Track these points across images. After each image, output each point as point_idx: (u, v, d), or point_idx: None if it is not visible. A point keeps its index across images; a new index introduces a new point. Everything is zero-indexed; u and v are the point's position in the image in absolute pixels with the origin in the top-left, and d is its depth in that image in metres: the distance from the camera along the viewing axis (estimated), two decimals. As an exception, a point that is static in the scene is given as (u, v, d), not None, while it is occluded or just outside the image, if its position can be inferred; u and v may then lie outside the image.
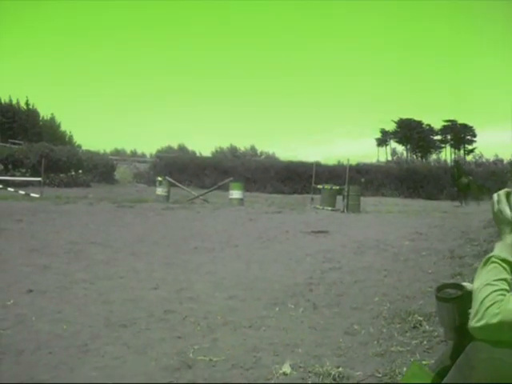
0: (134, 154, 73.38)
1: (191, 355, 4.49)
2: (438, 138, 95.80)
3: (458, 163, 39.26)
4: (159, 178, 26.18)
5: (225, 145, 75.33)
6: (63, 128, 71.70)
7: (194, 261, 9.23)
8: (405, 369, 3.98)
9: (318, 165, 32.24)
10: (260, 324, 5.49)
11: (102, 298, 6.38)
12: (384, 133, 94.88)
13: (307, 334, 5.18)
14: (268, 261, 9.52)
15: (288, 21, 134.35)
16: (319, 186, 25.72)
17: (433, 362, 3.29)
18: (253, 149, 75.50)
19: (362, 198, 24.25)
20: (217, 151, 72.08)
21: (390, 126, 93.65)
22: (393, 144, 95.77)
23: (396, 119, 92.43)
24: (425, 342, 4.81)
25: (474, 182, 34.60)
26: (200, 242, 11.46)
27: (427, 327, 5.22)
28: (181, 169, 42.93)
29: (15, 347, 4.54)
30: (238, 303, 6.39)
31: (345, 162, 40.49)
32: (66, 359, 4.33)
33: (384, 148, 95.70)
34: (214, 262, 9.26)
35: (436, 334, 4.94)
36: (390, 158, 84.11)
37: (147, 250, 10.25)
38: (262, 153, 73.65)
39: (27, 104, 68.00)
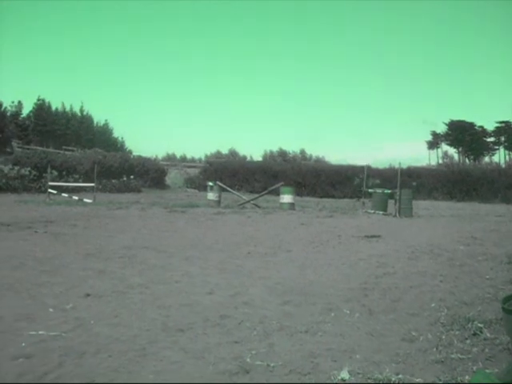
0: (184, 158, 74.06)
1: (248, 360, 4.49)
2: (492, 139, 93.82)
3: (368, 167, 42.07)
4: (210, 183, 26.36)
5: (274, 149, 75.42)
6: (115, 134, 72.99)
7: (248, 266, 9.24)
8: (467, 377, 3.91)
9: (368, 168, 32.00)
10: (316, 329, 5.46)
11: (158, 303, 6.43)
12: (435, 135, 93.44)
13: (364, 340, 5.13)
14: (321, 265, 9.47)
15: (336, 19, 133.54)
16: (370, 190, 25.50)
17: (497, 370, 3.21)
18: (303, 152, 75.45)
19: (413, 202, 23.92)
20: (266, 155, 72.21)
21: (441, 129, 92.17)
22: (444, 147, 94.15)
23: (447, 121, 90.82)
24: (486, 350, 4.70)
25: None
26: (253, 247, 11.47)
27: (488, 334, 5.11)
28: (231, 173, 43.16)
29: (76, 350, 4.62)
30: (293, 308, 6.36)
31: (395, 166, 40.14)
32: (126, 363, 4.38)
33: (435, 151, 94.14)
34: (267, 266, 9.25)
35: (498, 341, 4.84)
36: (441, 161, 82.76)
37: (200, 254, 10.30)
38: (312, 156, 73.52)
39: (81, 111, 69.48)
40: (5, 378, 4.00)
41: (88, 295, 6.68)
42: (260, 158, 66.51)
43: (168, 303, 6.42)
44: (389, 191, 24.39)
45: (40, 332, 5.07)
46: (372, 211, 23.63)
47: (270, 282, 7.89)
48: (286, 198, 24.64)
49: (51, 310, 5.94)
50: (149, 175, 40.68)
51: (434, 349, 4.80)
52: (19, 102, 71.19)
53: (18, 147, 49.28)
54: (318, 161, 67.87)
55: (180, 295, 6.87)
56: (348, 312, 6.20)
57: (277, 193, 26.37)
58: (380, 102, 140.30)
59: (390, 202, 23.80)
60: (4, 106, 50.12)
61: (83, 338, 4.98)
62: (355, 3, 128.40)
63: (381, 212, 23.18)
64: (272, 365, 4.39)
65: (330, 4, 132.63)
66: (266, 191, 27.73)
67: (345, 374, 4.16)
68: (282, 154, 72.38)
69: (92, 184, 28.50)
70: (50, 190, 26.94)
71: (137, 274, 8.16)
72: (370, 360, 4.53)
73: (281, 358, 4.57)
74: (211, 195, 25.57)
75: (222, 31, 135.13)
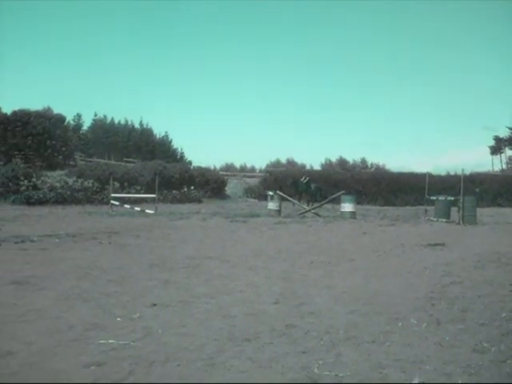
0: (243, 168, 74.42)
1: (316, 370, 4.47)
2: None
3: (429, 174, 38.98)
4: (270, 193, 26.33)
5: (333, 157, 75.00)
6: (175, 145, 73.96)
7: (312, 275, 9.20)
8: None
9: (429, 175, 31.48)
10: (383, 339, 5.38)
11: (224, 312, 6.46)
12: (498, 140, 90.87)
13: (433, 351, 5.02)
14: (386, 274, 9.35)
15: (392, 26, 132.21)
16: (433, 198, 25.07)
17: None
18: (363, 161, 74.89)
19: (477, 209, 23.39)
20: (326, 164, 71.86)
21: (505, 133, 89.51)
22: (508, 151, 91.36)
23: (511, 125, 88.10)
24: None
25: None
26: (315, 256, 11.41)
27: None
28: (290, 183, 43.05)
29: (146, 358, 4.69)
30: (360, 318, 6.30)
31: (457, 172, 39.41)
32: (194, 372, 4.42)
33: (499, 156, 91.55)
34: (331, 276, 9.19)
35: None
36: (505, 167, 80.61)
37: (264, 264, 10.32)
38: (372, 165, 72.87)
39: (141, 124, 70.88)
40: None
41: (154, 305, 6.77)
42: (319, 167, 66.16)
43: (233, 313, 6.45)
44: (452, 198, 23.94)
45: (110, 341, 5.17)
46: (435, 219, 23.25)
47: (335, 291, 7.84)
48: (347, 207, 24.45)
49: (119, 319, 6.05)
50: (209, 185, 40.89)
51: (508, 360, 4.68)
52: (80, 116, 73.06)
53: (81, 160, 50.46)
54: (378, 169, 67.16)
55: (245, 305, 6.89)
56: (415, 322, 6.10)
57: (337, 201, 26.22)
58: (440, 108, 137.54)
59: (453, 210, 23.34)
60: (67, 120, 51.40)
61: (152, 347, 5.04)
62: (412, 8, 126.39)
63: (444, 220, 22.77)
64: (340, 375, 4.35)
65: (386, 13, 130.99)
66: (326, 200, 27.54)
67: (416, 386, 4.09)
68: (342, 162, 71.95)
69: (153, 195, 28.88)
70: (112, 202, 27.41)
71: (201, 284, 8.22)
72: (440, 371, 4.44)
73: (349, 368, 4.53)
74: (272, 205, 25.57)
75: (282, 44, 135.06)
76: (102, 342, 5.16)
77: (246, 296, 7.42)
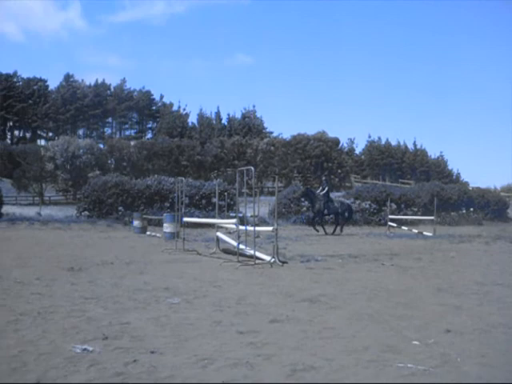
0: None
1: None
2: None
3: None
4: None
5: None
6: (450, 166, 72.67)
7: None
8: None
9: None
10: None
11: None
12: None
13: None
14: None
15: None
16: None
17: None
18: None
19: None
20: None
21: None
22: None
23: None
24: None
25: None
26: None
27: None
28: None
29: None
30: None
31: None
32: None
33: None
34: None
35: None
36: None
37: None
38: None
39: (415, 145, 70.98)
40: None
41: (448, 331, 6.56)
42: None
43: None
44: None
45: (408, 365, 5.10)
46: None
47: None
48: None
49: (415, 342, 5.96)
50: (489, 207, 39.32)
51: None
52: (354, 139, 75.08)
53: (356, 181, 51.67)
54: None
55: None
56: None
57: None
58: None
59: None
60: (341, 143, 53.08)
61: (453, 375, 4.86)
62: None
63: None
64: None
65: None
66: None
67: None
68: None
69: (431, 217, 28.45)
70: (389, 223, 27.58)
71: (495, 313, 7.78)
72: None
73: None
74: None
75: None
76: (400, 365, 5.12)
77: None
